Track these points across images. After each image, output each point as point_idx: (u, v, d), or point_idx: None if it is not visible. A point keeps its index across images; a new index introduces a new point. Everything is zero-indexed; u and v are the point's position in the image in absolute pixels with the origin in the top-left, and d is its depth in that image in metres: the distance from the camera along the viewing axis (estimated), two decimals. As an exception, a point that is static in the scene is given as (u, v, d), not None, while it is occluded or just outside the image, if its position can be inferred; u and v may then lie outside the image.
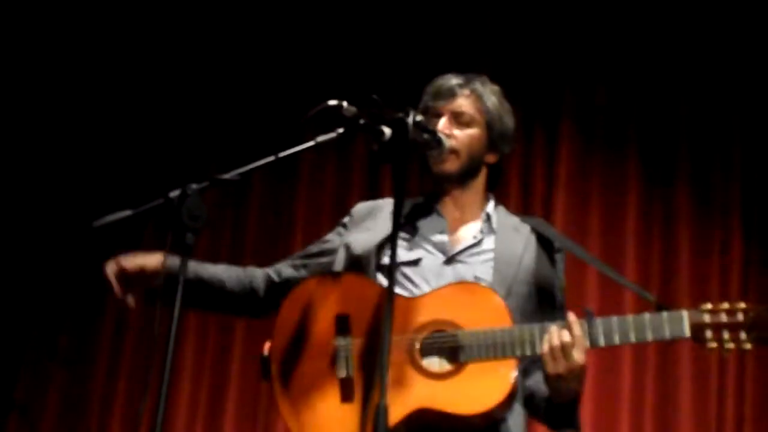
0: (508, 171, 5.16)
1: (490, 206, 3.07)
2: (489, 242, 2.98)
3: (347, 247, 3.03)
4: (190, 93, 5.74)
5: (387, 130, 2.73)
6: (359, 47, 5.57)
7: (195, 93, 5.74)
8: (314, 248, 3.16)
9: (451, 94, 3.04)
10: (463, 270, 2.91)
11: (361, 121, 2.74)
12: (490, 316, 2.76)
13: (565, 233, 4.95)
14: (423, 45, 5.45)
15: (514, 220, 3.08)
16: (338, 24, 5.64)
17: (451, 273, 2.91)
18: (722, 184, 5.05)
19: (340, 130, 2.78)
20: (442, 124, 3.01)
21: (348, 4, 5.65)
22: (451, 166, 3.01)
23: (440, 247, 2.97)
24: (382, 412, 2.36)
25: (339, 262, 3.02)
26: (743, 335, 2.63)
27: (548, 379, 2.74)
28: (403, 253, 2.93)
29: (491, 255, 2.95)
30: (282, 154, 2.77)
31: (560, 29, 5.35)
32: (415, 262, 2.93)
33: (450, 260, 2.94)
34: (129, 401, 5.41)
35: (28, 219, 5.68)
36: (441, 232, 2.99)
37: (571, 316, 2.71)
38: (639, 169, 5.14)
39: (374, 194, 5.29)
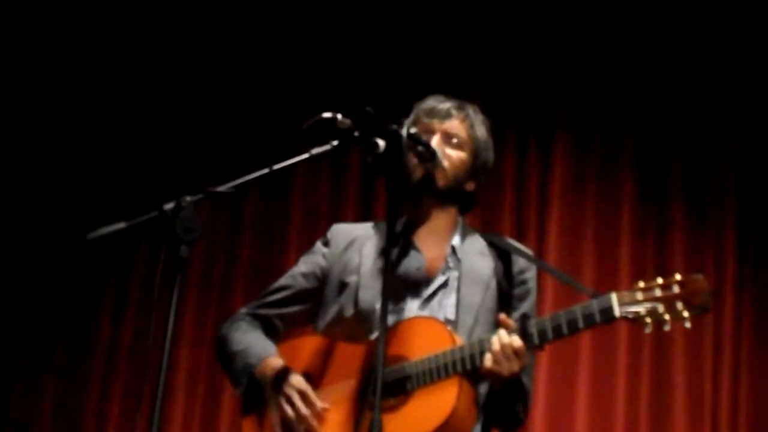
0: (503, 183, 5.17)
1: (456, 238, 3.09)
2: (455, 277, 3.02)
3: (345, 287, 3.04)
4: (185, 105, 5.74)
5: (381, 143, 2.74)
6: (353, 59, 5.58)
7: (189, 105, 5.74)
8: (284, 293, 3.18)
9: (446, 114, 3.07)
10: (436, 312, 2.96)
11: (356, 134, 2.75)
12: (434, 342, 2.81)
13: (559, 245, 5.01)
14: (418, 57, 5.45)
15: (481, 244, 3.10)
16: (332, 36, 5.64)
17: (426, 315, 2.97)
18: (717, 197, 5.06)
19: (335, 143, 2.78)
20: (436, 141, 3.03)
21: (342, 16, 5.66)
22: (438, 182, 3.03)
23: (417, 291, 3.00)
24: (376, 427, 2.42)
25: (347, 303, 3.02)
26: (680, 306, 2.57)
27: (494, 383, 2.80)
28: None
29: (455, 294, 2.99)
30: (276, 167, 2.77)
31: (555, 41, 5.36)
32: (397, 310, 2.97)
33: (425, 302, 2.99)
34: (124, 413, 5.39)
35: (22, 231, 5.67)
36: (418, 269, 3.02)
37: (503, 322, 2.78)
38: (633, 181, 5.14)
39: (369, 207, 5.31)
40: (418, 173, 2.99)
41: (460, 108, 3.10)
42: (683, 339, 4.88)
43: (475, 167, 3.10)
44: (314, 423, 2.88)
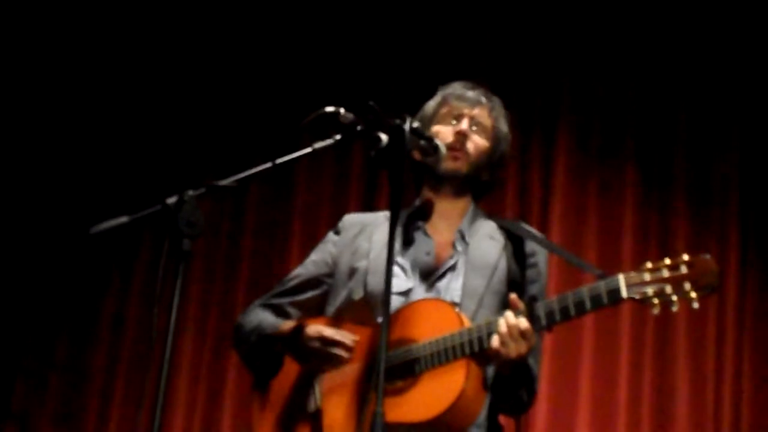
0: (505, 175, 5.15)
1: (465, 222, 3.10)
2: (463, 260, 3.03)
3: (355, 271, 3.05)
4: (187, 100, 5.74)
5: (384, 137, 2.74)
6: (356, 53, 5.57)
7: (192, 100, 5.74)
8: (296, 281, 3.19)
9: (476, 102, 3.13)
10: (443, 295, 2.97)
11: (359, 128, 2.76)
12: (442, 324, 2.80)
13: (562, 238, 5.01)
14: (420, 51, 5.45)
15: (490, 226, 3.12)
16: (335, 30, 5.64)
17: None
18: (720, 189, 5.06)
19: (338, 137, 2.79)
20: (465, 125, 3.08)
21: (344, 10, 5.65)
22: (462, 166, 3.07)
23: (426, 274, 3.01)
24: (378, 419, 2.41)
25: (357, 287, 3.03)
26: (687, 286, 2.56)
27: (502, 366, 2.79)
28: (397, 282, 2.95)
29: (462, 277, 2.99)
30: (279, 161, 2.77)
31: (557, 34, 5.36)
32: (406, 293, 2.98)
33: (432, 285, 2.99)
34: (126, 409, 5.39)
35: (25, 226, 5.68)
36: (428, 254, 3.03)
37: (512, 302, 2.77)
38: (636, 174, 5.14)
39: (371, 201, 5.31)
40: (442, 165, 3.03)
41: (488, 98, 3.16)
42: (686, 333, 4.88)
43: (493, 158, 3.14)
44: (346, 350, 2.90)
